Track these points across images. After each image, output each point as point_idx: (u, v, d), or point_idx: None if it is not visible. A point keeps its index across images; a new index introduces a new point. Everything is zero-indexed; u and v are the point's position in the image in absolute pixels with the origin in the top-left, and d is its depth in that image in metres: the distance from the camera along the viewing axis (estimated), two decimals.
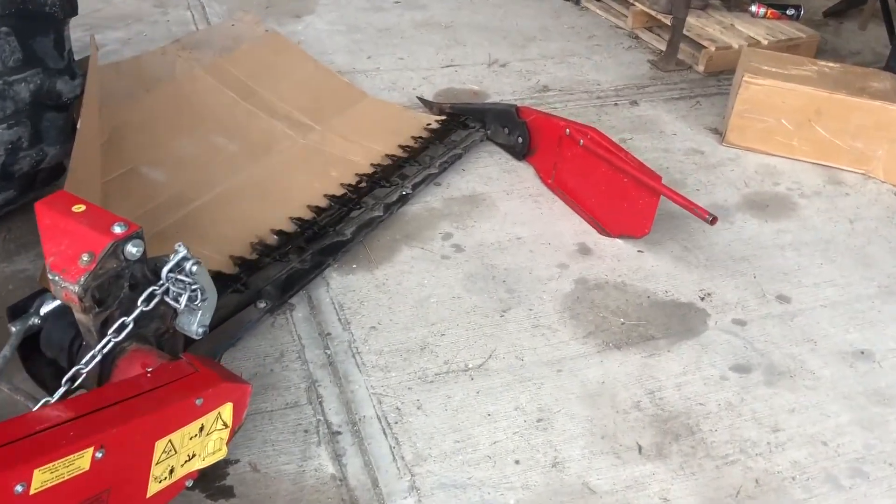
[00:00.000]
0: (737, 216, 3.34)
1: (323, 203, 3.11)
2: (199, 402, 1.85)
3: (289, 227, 2.96)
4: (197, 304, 2.05)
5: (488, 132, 3.69)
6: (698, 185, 3.54)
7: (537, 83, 4.37)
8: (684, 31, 4.57)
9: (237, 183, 3.21)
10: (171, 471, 1.87)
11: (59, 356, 2.09)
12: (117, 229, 1.91)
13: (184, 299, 2.01)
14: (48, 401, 1.87)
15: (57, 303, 2.11)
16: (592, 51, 4.83)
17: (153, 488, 1.83)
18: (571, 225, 3.20)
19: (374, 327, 2.63)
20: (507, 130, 3.61)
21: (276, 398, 2.35)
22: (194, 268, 2.02)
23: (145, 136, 3.29)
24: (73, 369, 1.92)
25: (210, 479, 2.09)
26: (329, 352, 2.52)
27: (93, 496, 1.65)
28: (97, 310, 1.94)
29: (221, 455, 1.98)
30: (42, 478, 1.50)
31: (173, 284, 2.01)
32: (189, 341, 2.22)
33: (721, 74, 4.54)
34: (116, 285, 1.97)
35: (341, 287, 2.80)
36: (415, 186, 3.27)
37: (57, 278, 1.91)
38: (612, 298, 2.83)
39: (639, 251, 3.07)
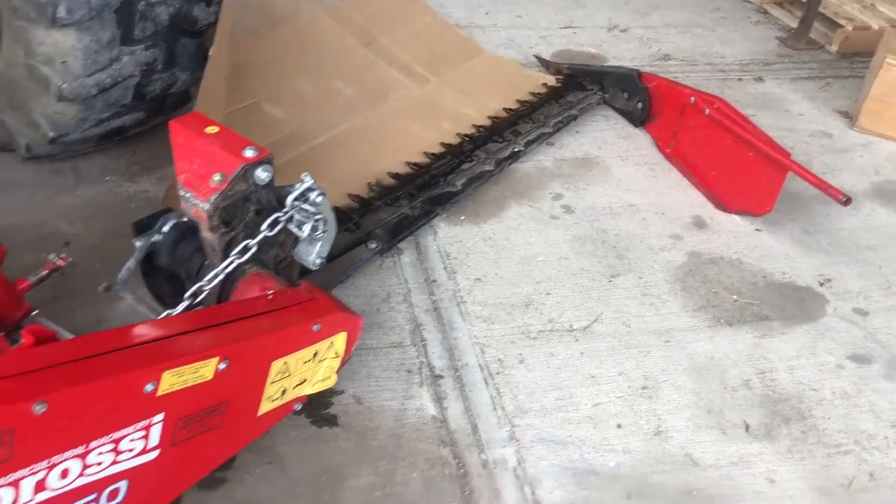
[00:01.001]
0: (864, 204, 3.17)
1: (434, 153, 3.10)
2: (316, 327, 1.88)
3: (401, 174, 2.96)
4: (318, 235, 2.08)
5: (606, 96, 3.59)
6: (824, 168, 3.36)
7: (658, 51, 4.23)
8: (819, 9, 4.33)
9: (352, 127, 3.23)
10: (283, 392, 1.90)
11: (179, 273, 2.15)
12: (249, 153, 1.93)
13: (307, 228, 2.03)
14: (170, 313, 1.92)
15: (180, 221, 2.17)
16: (717, 23, 4.64)
17: (265, 407, 1.87)
18: (687, 197, 3.10)
19: (479, 279, 2.62)
20: (626, 95, 3.51)
21: (382, 337, 2.37)
22: (319, 198, 2.04)
23: (267, 73, 3.33)
24: (196, 286, 1.97)
25: (316, 406, 2.13)
26: (434, 298, 2.53)
27: (212, 406, 1.69)
28: (223, 230, 1.99)
29: (331, 383, 2.01)
30: (170, 380, 1.54)
31: (297, 213, 2.04)
32: (303, 272, 2.26)
33: (855, 57, 4.29)
34: (243, 209, 2.01)
35: (448, 237, 2.79)
36: (527, 144, 3.23)
37: (188, 195, 1.96)
38: (726, 275, 2.73)
39: (756, 230, 2.95)
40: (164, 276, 2.20)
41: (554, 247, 2.78)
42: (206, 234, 2.01)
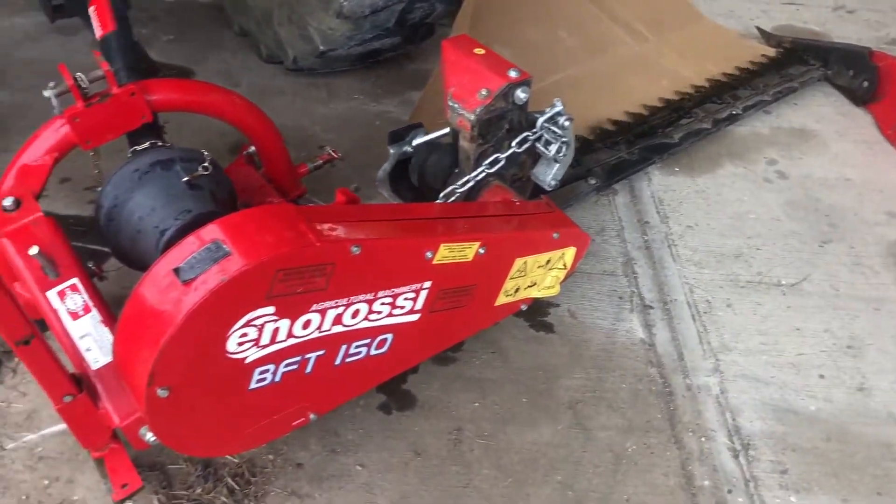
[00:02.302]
0: None
1: (653, 106, 3.21)
2: (555, 236, 2.08)
3: (620, 121, 3.10)
4: (560, 157, 2.26)
5: (829, 72, 3.55)
6: None
7: (886, 35, 4.09)
8: None
9: (574, 74, 3.39)
10: (516, 290, 2.12)
11: (432, 179, 2.40)
12: (512, 74, 2.14)
13: (553, 148, 2.22)
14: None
15: (427, 137, 2.43)
16: None
17: (500, 300, 2.10)
18: None
19: (690, 226, 2.73)
20: (852, 73, 3.46)
21: (596, 264, 2.54)
22: (566, 123, 2.22)
23: (499, 17, 3.53)
24: (449, 188, 2.21)
25: (534, 313, 2.34)
26: (646, 238, 2.67)
27: (465, 286, 1.93)
28: (479, 142, 2.22)
29: (554, 292, 2.21)
30: (443, 253, 1.79)
31: (547, 134, 2.23)
32: (533, 194, 2.46)
33: None
34: (497, 125, 2.22)
35: (662, 185, 2.91)
36: (745, 109, 3.27)
37: (456, 106, 2.19)
38: None
39: None
40: (406, 185, 2.47)
41: (766, 207, 2.84)
42: (464, 144, 2.24)
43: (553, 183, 2.34)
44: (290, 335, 1.62)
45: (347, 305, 1.68)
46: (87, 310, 1.69)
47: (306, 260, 1.52)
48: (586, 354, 2.25)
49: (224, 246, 1.46)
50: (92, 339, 1.69)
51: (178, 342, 1.42)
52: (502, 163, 2.23)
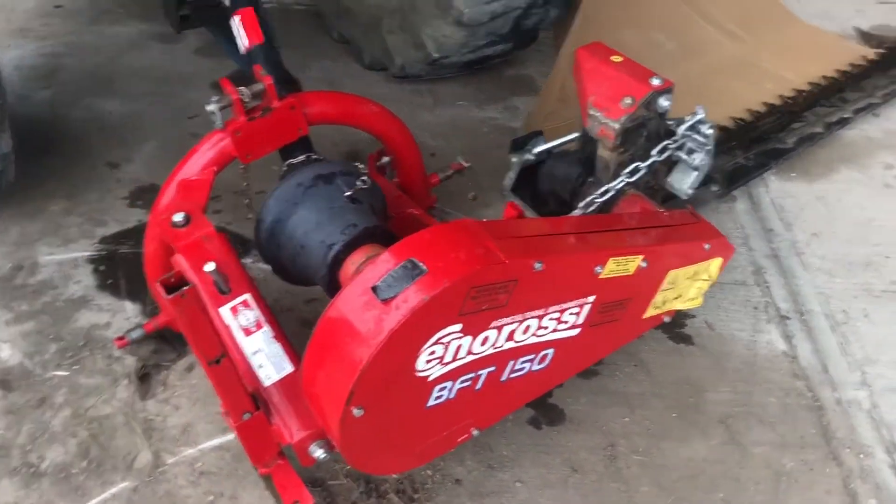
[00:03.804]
0: None
1: (760, 110, 3.15)
2: (707, 247, 2.04)
3: (729, 126, 3.05)
4: (701, 164, 2.22)
5: None
6: None
7: None
8: None
9: (675, 78, 3.32)
10: (664, 302, 2.08)
11: (560, 188, 2.37)
12: (655, 81, 2.11)
13: (697, 157, 2.18)
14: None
15: (547, 145, 2.40)
16: None
17: (649, 312, 2.06)
18: None
19: (815, 234, 2.67)
20: None
21: (726, 274, 2.47)
22: (709, 131, 2.18)
23: (596, 22, 3.49)
24: (588, 198, 2.17)
25: (671, 324, 2.30)
26: (773, 246, 2.62)
27: (621, 300, 1.89)
28: (620, 150, 2.18)
29: (697, 304, 2.16)
30: (611, 267, 1.75)
31: (688, 142, 2.19)
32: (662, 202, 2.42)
33: None
34: (636, 133, 2.18)
35: (780, 191, 2.86)
36: (856, 112, 3.20)
37: (598, 115, 2.16)
38: None
39: None
40: (527, 192, 2.45)
41: (889, 213, 2.78)
42: (603, 153, 2.20)
43: (690, 192, 2.29)
44: (469, 352, 1.60)
45: (521, 321, 1.65)
46: (259, 326, 1.69)
47: (496, 277, 1.49)
48: (729, 367, 2.20)
49: (420, 264, 1.44)
50: (264, 356, 1.68)
51: (379, 361, 1.41)
52: (642, 171, 2.19)
